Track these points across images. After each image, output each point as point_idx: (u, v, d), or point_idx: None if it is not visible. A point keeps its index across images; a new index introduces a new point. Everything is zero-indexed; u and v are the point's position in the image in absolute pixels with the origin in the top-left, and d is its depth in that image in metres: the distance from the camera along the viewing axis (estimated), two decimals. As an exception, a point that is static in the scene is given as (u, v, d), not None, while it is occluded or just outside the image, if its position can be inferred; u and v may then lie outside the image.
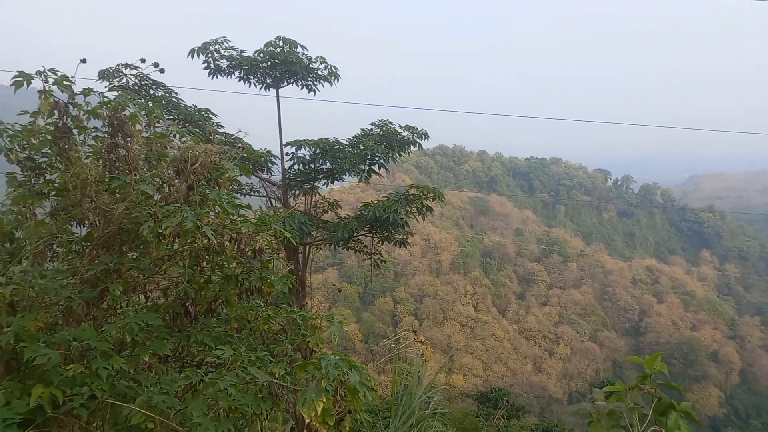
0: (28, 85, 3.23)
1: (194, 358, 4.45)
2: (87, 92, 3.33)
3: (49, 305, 3.62)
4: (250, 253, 4.02)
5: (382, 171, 12.04)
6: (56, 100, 3.29)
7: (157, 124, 3.63)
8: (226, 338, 4.28)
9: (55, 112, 3.42)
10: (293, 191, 12.41)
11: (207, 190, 3.40)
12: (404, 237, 12.47)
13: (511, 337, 73.67)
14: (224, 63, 10.41)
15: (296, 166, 11.80)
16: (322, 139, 11.34)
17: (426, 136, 11.57)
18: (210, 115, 9.96)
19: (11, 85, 3.23)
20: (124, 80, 8.71)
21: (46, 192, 3.93)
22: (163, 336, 3.73)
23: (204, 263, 4.31)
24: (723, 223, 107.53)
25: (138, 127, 3.55)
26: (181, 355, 4.42)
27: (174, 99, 9.68)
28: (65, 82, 3.25)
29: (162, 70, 3.81)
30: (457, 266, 79.54)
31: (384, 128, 11.81)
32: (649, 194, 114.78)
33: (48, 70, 3.23)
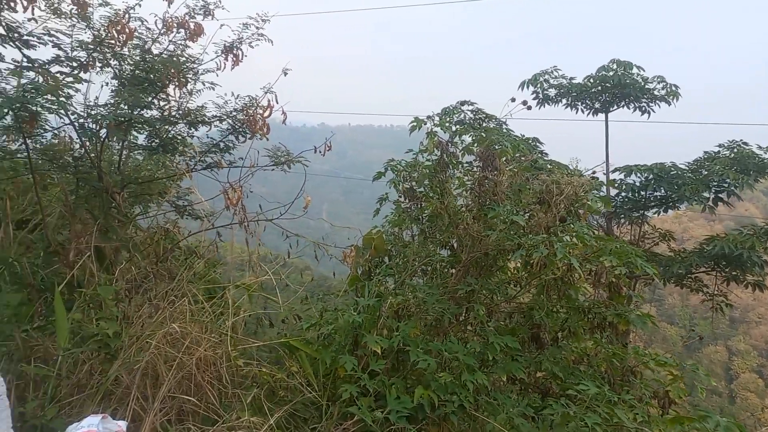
0: (419, 129, 3.83)
1: (539, 385, 4.50)
2: (462, 131, 3.75)
3: (422, 316, 4.19)
4: (606, 286, 3.89)
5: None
6: (440, 139, 3.80)
7: (519, 157, 3.85)
8: (576, 372, 4.21)
9: (437, 149, 3.94)
10: (618, 220, 11.61)
11: (570, 222, 3.41)
12: (761, 279, 10.34)
13: None
14: (552, 92, 10.53)
15: (623, 194, 11.03)
16: (656, 164, 10.33)
17: (798, 157, 9.41)
18: (537, 144, 10.17)
19: (409, 127, 3.89)
20: (462, 116, 9.60)
21: (420, 218, 4.59)
22: (519, 359, 3.90)
23: (552, 292, 4.35)
24: None
25: (503, 159, 3.82)
26: (527, 380, 4.52)
27: (504, 130, 10.23)
28: (447, 124, 3.72)
29: (529, 107, 4.07)
30: (825, 320, 61.70)
31: (736, 150, 10.09)
32: None
33: (436, 114, 3.76)
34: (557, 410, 3.22)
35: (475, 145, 3.88)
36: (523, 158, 3.90)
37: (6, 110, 3.02)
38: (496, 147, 3.75)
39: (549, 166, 3.99)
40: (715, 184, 10.02)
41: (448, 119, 4.01)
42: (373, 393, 3.59)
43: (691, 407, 4.74)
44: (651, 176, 10.35)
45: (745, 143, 10.11)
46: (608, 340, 4.56)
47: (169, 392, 3.45)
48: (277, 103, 4.26)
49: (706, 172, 10.08)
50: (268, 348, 4.02)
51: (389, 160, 4.47)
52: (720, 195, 10.16)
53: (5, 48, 3.83)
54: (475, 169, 3.96)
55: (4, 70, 3.77)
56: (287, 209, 4.35)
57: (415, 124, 3.87)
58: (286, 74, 4.42)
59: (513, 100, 4.12)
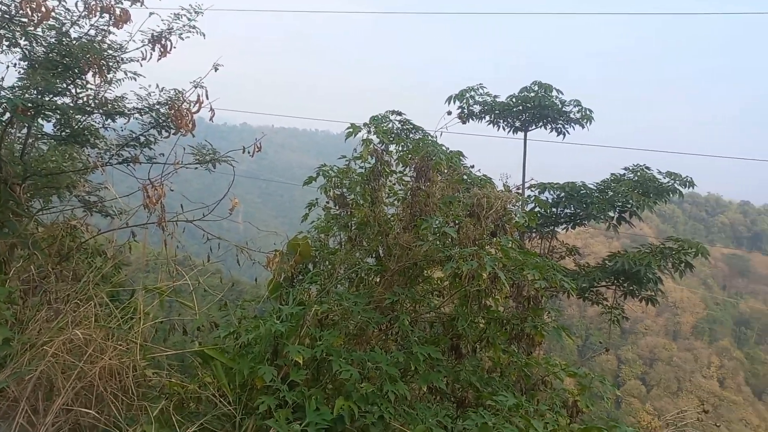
0: (354, 135, 3.78)
1: (455, 394, 4.57)
2: (399, 141, 3.74)
3: (346, 325, 4.12)
4: (525, 298, 4.03)
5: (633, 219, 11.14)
6: (375, 147, 3.78)
7: (451, 170, 3.90)
8: (491, 382, 4.32)
9: (371, 157, 3.91)
10: (530, 234, 12.16)
11: (498, 235, 3.50)
12: (653, 294, 11.22)
13: (769, 426, 59.76)
14: (477, 108, 10.88)
15: (537, 209, 11.58)
16: (568, 183, 10.98)
17: (691, 183, 10.36)
18: (461, 158, 10.47)
19: (345, 133, 3.83)
20: (390, 125, 9.66)
21: (349, 225, 4.54)
22: (440, 370, 3.93)
23: (473, 303, 4.45)
24: None
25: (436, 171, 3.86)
26: (444, 390, 4.58)
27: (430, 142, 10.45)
28: (383, 133, 3.71)
29: (464, 122, 4.12)
30: (700, 332, 68.29)
31: (639, 174, 10.91)
32: None
33: (372, 123, 3.73)
34: (476, 421, 3.26)
35: (410, 155, 3.89)
36: (454, 171, 3.96)
37: None
38: (432, 158, 3.78)
39: (481, 181, 4.08)
40: (620, 204, 10.76)
41: (383, 129, 3.98)
42: (292, 405, 3.47)
43: (595, 416, 5.02)
44: (563, 194, 10.97)
45: (648, 168, 10.94)
46: (520, 350, 4.74)
47: (65, 405, 3.14)
48: (207, 98, 4.05)
49: (612, 193, 10.77)
50: (180, 357, 3.79)
51: (321, 165, 4.39)
52: (623, 215, 10.93)
53: None
54: (408, 179, 3.97)
55: None
56: (211, 210, 4.12)
57: (351, 130, 3.82)
58: (216, 70, 4.22)
59: (449, 113, 4.20)
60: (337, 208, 4.45)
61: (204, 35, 4.08)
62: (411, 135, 10.88)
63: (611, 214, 10.78)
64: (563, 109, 10.61)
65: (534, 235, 11.98)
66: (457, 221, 3.75)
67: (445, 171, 3.91)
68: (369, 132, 3.94)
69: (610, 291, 11.68)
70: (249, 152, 4.30)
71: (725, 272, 78.62)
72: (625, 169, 11.12)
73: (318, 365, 3.99)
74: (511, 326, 4.16)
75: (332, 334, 3.84)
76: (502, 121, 11.21)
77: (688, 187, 10.47)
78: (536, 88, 10.47)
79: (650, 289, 10.92)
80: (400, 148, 4.46)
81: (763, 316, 70.85)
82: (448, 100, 10.60)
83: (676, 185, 10.49)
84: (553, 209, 11.36)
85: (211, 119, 4.28)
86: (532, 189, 11.27)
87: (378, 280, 4.53)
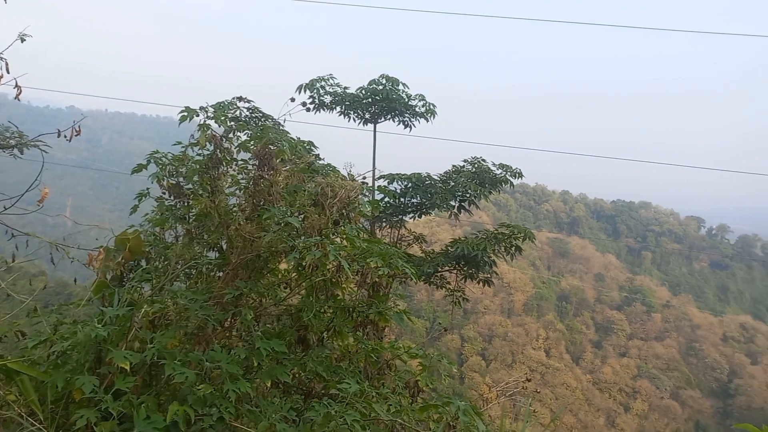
0: (190, 120, 3.50)
1: (304, 387, 4.52)
2: (242, 127, 3.56)
3: (183, 324, 3.82)
4: (369, 285, 4.09)
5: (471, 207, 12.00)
6: (213, 133, 3.54)
7: (296, 158, 3.81)
8: (338, 370, 4.33)
9: (209, 144, 3.66)
10: (380, 223, 12.54)
11: (342, 224, 3.50)
12: (489, 276, 12.24)
13: (584, 387, 69.56)
14: (328, 98, 10.87)
15: (386, 199, 11.95)
16: (414, 173, 11.49)
17: (520, 174, 11.43)
18: (312, 147, 10.38)
19: (179, 117, 3.52)
20: (237, 112, 9.23)
21: (186, 217, 4.21)
22: (285, 363, 3.83)
23: (320, 293, 4.42)
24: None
25: (280, 160, 3.73)
26: (292, 383, 4.50)
27: (281, 130, 10.18)
28: (222, 118, 3.49)
29: (308, 109, 4.03)
30: (530, 308, 76.81)
31: (476, 165, 11.79)
32: (748, 246, 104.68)
33: (210, 106, 3.49)
34: (320, 411, 3.24)
35: (252, 142, 3.71)
36: (299, 159, 3.87)
37: None
38: (274, 146, 3.64)
39: (326, 170, 4.04)
40: (460, 194, 11.54)
41: (223, 114, 3.74)
42: (117, 416, 3.14)
43: (436, 393, 5.33)
44: (410, 184, 11.47)
45: (483, 160, 11.85)
46: (368, 336, 4.83)
47: None
48: (8, 72, 3.43)
49: (453, 183, 11.50)
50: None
51: (153, 151, 4.01)
52: (463, 204, 11.74)
53: None
54: (250, 167, 3.79)
55: None
56: (14, 202, 3.54)
57: (186, 113, 3.52)
58: (23, 41, 3.59)
59: (292, 100, 4.10)
60: (172, 198, 4.11)
61: (5, 0, 3.44)
62: (260, 123, 10.56)
63: (453, 203, 11.50)
64: (409, 102, 11.05)
65: (384, 224, 12.39)
66: (301, 211, 3.67)
67: (291, 159, 3.80)
68: (207, 117, 3.67)
69: (453, 275, 12.52)
70: (66, 136, 3.76)
71: (549, 254, 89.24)
72: (465, 161, 11.92)
73: (150, 370, 3.66)
74: (357, 313, 4.20)
75: (165, 336, 3.54)
76: (352, 112, 11.35)
77: (518, 178, 11.54)
78: (384, 81, 10.75)
79: (486, 271, 11.88)
80: (245, 136, 4.25)
81: (579, 292, 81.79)
82: (298, 89, 10.45)
83: (507, 176, 11.51)
84: (401, 199, 11.83)
85: (17, 97, 3.65)
86: (381, 179, 11.67)
87: (220, 274, 4.29)
